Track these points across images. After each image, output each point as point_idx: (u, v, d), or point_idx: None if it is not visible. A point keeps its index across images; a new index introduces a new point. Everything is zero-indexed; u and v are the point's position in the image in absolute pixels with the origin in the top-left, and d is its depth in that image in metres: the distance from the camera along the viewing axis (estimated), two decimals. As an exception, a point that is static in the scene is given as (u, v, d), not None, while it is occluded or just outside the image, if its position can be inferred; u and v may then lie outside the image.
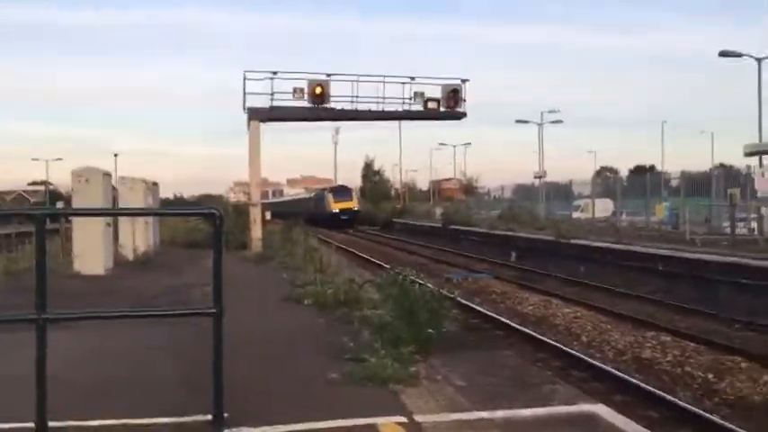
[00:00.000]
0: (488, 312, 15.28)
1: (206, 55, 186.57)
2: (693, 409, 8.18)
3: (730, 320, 14.03)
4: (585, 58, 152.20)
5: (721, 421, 7.78)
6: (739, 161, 30.66)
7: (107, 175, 16.99)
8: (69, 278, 14.69)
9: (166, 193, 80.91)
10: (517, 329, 13.34)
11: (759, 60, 28.05)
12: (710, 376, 9.80)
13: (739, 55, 28.04)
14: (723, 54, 27.57)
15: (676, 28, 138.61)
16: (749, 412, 8.40)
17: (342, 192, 63.03)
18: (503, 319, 14.41)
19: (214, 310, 4.83)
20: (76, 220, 15.92)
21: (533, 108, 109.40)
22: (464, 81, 24.92)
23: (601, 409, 5.30)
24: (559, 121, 52.25)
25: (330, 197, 61.32)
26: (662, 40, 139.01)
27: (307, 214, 61.68)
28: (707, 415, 7.93)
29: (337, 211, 59.25)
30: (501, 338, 12.74)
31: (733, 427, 7.52)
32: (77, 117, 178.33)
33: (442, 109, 24.71)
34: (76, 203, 15.97)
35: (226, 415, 4.88)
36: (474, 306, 15.84)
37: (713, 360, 10.47)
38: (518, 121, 51.37)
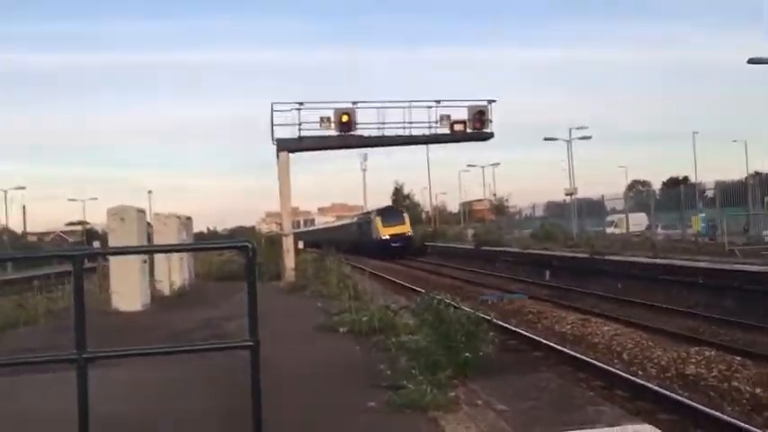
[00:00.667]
0: (526, 333, 15.11)
1: (233, 89, 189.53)
2: (744, 425, 7.95)
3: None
4: (613, 73, 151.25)
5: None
6: (774, 168, 30.02)
7: (141, 212, 17.25)
8: (108, 315, 14.87)
9: (200, 226, 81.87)
10: (556, 349, 13.14)
11: (789, 66, 27.54)
12: (759, 390, 9.53)
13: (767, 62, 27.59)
14: (752, 61, 27.14)
15: (704, 41, 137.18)
16: (802, 427, 8.13)
17: (392, 214, 55.01)
18: (541, 340, 14.23)
19: (251, 343, 4.86)
20: (113, 258, 16.15)
21: (561, 126, 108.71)
22: (490, 102, 24.91)
23: (647, 430, 5.17)
24: (588, 137, 51.74)
25: (378, 221, 53.25)
26: (689, 53, 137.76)
27: (349, 242, 56.65)
28: (757, 431, 7.70)
29: (387, 237, 51.42)
30: (540, 360, 12.57)
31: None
32: (110, 157, 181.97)
33: (468, 131, 24.70)
34: (113, 241, 16.21)
35: (266, 448, 4.87)
36: (511, 327, 15.68)
37: (760, 374, 10.19)
38: (546, 139, 50.96)
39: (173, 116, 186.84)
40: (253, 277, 5.21)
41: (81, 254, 3.77)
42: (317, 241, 58.51)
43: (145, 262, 16.77)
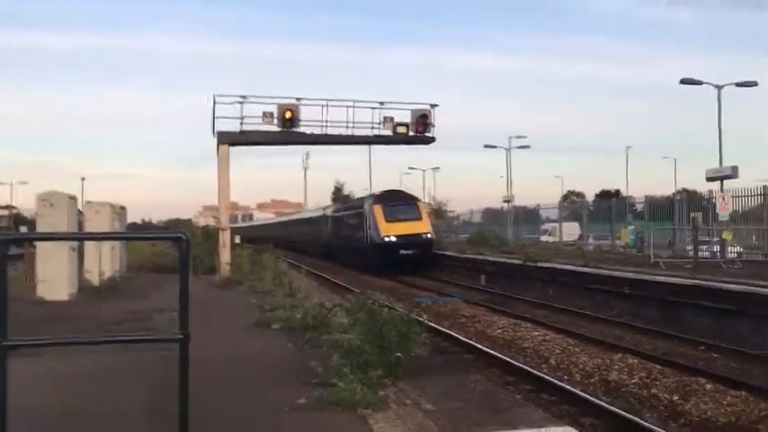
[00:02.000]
0: (458, 336, 15.31)
1: (176, 80, 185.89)
2: (660, 431, 8.26)
3: (694, 342, 14.25)
4: (553, 86, 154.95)
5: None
6: (701, 186, 31.35)
7: (73, 199, 16.75)
8: (33, 304, 14.40)
9: (134, 217, 79.76)
10: (486, 353, 13.38)
11: (719, 88, 28.81)
12: (676, 398, 9.92)
13: (700, 83, 28.75)
14: (684, 82, 28.24)
15: (639, 59, 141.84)
16: (714, 433, 8.51)
17: (400, 204, 34.79)
18: (472, 343, 14.45)
19: (180, 336, 4.80)
20: (41, 245, 15.64)
21: (501, 134, 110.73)
22: (433, 106, 25.19)
23: (568, 432, 5.33)
24: (527, 147, 52.87)
25: (377, 214, 33.79)
26: (626, 70, 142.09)
27: (318, 244, 47.02)
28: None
29: (393, 239, 32.85)
30: (470, 362, 12.76)
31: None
32: (43, 141, 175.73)
33: (411, 133, 24.91)
34: (41, 228, 15.70)
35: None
36: (443, 329, 15.86)
37: (678, 382, 10.60)
38: (486, 146, 51.79)
39: (113, 103, 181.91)
40: (185, 269, 5.15)
41: (4, 238, 3.66)
42: (266, 239, 48.53)
43: (74, 250, 16.29)
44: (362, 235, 35.00)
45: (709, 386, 10.23)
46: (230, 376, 7.46)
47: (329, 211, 46.95)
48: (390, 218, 33.32)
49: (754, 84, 28.28)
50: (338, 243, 41.61)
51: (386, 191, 37.71)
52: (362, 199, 40.26)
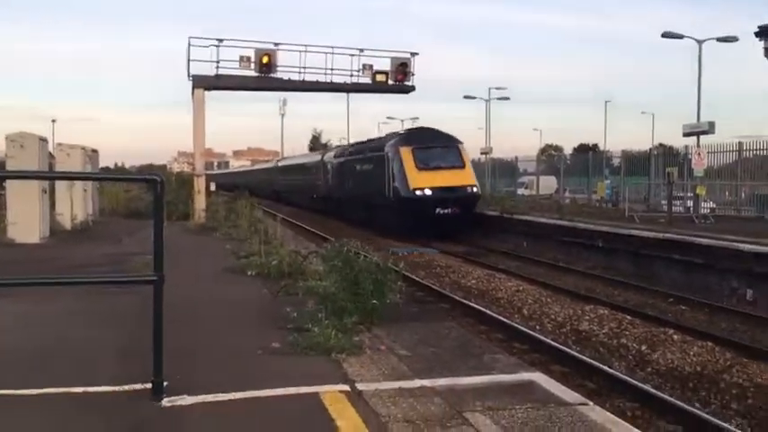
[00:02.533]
0: (432, 286, 15.45)
1: (152, 22, 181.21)
2: (627, 378, 8.45)
3: (664, 294, 14.52)
4: (534, 37, 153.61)
5: (653, 390, 8.06)
6: (678, 141, 31.53)
7: (43, 140, 16.40)
8: (3, 246, 14.22)
9: (107, 162, 78.48)
10: (460, 302, 13.52)
11: (700, 43, 28.71)
12: (644, 348, 10.13)
13: (681, 37, 28.62)
14: (665, 35, 28.11)
15: (621, 11, 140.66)
16: (679, 382, 8.72)
17: (434, 144, 26.98)
18: (446, 293, 14.59)
19: (154, 278, 4.77)
20: (11, 186, 15.38)
21: (482, 85, 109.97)
22: (413, 54, 24.84)
23: (539, 377, 5.41)
24: (506, 98, 52.62)
25: (406, 159, 26.04)
26: (608, 23, 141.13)
27: (320, 194, 38.32)
28: (639, 384, 8.21)
29: (427, 193, 25.41)
30: (445, 311, 12.89)
31: (663, 395, 7.81)
32: (12, 82, 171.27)
33: (390, 82, 24.60)
34: (11, 169, 15.40)
35: (165, 383, 4.83)
36: (418, 279, 15.98)
37: (647, 332, 10.82)
38: (466, 97, 51.43)
39: (86, 43, 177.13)
40: (159, 212, 5.09)
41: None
42: (247, 188, 40.83)
43: (45, 192, 16.04)
44: (381, 187, 26.47)
45: (676, 337, 10.47)
46: (203, 320, 7.45)
47: (330, 156, 37.75)
48: (422, 165, 25.36)
49: (735, 39, 28.20)
50: (344, 196, 33.30)
51: (415, 128, 29.76)
52: (381, 140, 30.06)
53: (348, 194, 32.64)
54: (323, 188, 37.98)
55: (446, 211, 24.78)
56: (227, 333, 6.89)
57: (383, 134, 34.69)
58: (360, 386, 5.08)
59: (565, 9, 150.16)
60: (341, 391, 4.96)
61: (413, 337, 6.73)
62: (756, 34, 15.88)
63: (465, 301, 13.57)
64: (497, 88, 52.71)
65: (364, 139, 36.37)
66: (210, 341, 6.51)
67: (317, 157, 42.80)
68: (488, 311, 12.62)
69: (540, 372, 5.82)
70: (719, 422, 6.89)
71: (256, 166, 74.80)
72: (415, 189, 24.99)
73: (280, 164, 58.72)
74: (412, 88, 24.99)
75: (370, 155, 29.73)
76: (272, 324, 7.04)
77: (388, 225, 26.87)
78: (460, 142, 27.30)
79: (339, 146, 47.62)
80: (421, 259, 20.84)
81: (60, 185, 17.77)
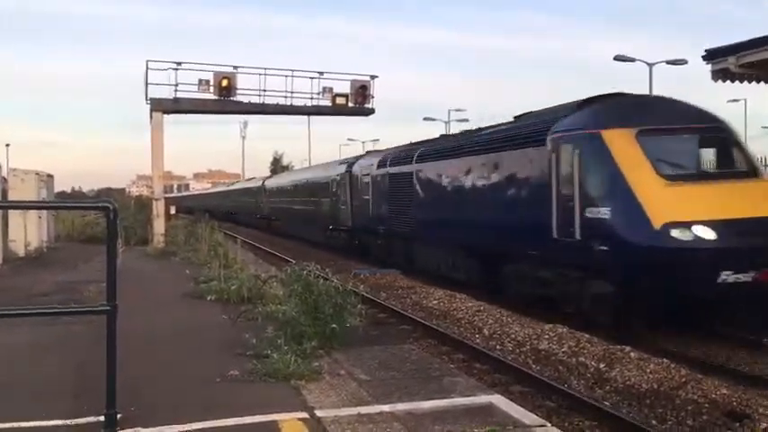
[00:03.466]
0: (394, 307, 15.44)
1: (112, 45, 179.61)
2: (585, 398, 8.55)
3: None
4: (492, 60, 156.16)
5: (611, 409, 8.16)
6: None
7: (-4, 166, 16.06)
8: (-47, 275, 13.86)
9: (64, 186, 77.06)
10: (422, 323, 13.54)
11: (650, 65, 29.54)
12: (602, 366, 10.24)
13: (632, 60, 29.42)
14: (617, 58, 28.84)
15: (577, 34, 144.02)
16: (637, 399, 8.85)
17: (684, 126, 11.01)
18: (408, 314, 14.59)
19: (107, 308, 4.70)
20: (-39, 214, 14.99)
21: (442, 107, 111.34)
22: (373, 77, 25.05)
23: (497, 400, 5.46)
24: (465, 120, 53.23)
25: (631, 156, 10.47)
26: (566, 46, 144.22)
27: (339, 223, 26.55)
28: (597, 404, 8.30)
29: (707, 234, 9.60)
30: (406, 333, 12.89)
31: (620, 414, 7.91)
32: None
33: (350, 104, 24.74)
34: (-39, 196, 15.04)
35: (119, 415, 4.74)
36: (380, 301, 15.97)
37: (605, 350, 10.94)
38: (425, 119, 51.99)
39: (43, 67, 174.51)
40: (113, 240, 5.03)
41: None
42: (219, 212, 45.13)
43: (-3, 219, 15.69)
44: (537, 220, 12.46)
45: (633, 354, 10.61)
46: (161, 348, 7.35)
47: (373, 167, 22.91)
48: (675, 171, 10.74)
49: (684, 62, 29.10)
50: (417, 231, 19.49)
51: (616, 94, 12.66)
52: (533, 120, 13.98)
53: (426, 230, 18.60)
54: (358, 217, 24.52)
55: (745, 277, 9.86)
56: (185, 361, 6.80)
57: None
58: (319, 413, 5.06)
59: (521, 32, 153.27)
60: (300, 419, 4.94)
61: (373, 361, 6.74)
62: (704, 57, 16.37)
63: (426, 323, 13.58)
64: (457, 110, 53.35)
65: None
66: (167, 370, 6.42)
67: (338, 169, 27.82)
68: (449, 333, 12.65)
69: (499, 394, 5.86)
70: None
71: (234, 186, 61.40)
72: (670, 225, 10.06)
73: (272, 183, 43.89)
74: (372, 111, 25.16)
75: (493, 154, 14.44)
76: (231, 351, 6.97)
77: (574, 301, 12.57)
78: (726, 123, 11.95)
79: (374, 151, 28.95)
80: (383, 280, 20.82)
81: (14, 211, 17.40)
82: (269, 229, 41.50)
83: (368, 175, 23.50)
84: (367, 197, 23.28)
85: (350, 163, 26.83)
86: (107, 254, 4.84)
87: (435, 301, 16.78)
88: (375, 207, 22.40)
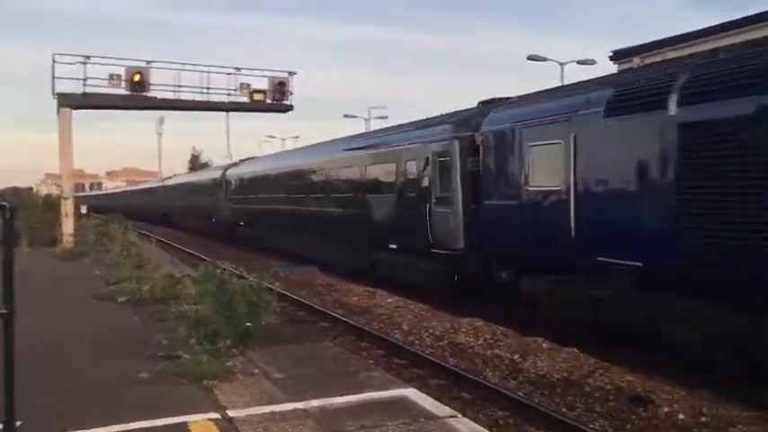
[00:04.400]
0: (313, 305, 15.38)
1: (14, 38, 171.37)
2: (499, 388, 8.76)
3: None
4: (413, 58, 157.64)
5: (523, 398, 8.39)
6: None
7: None
8: None
9: (-36, 185, 73.08)
10: (341, 320, 13.54)
11: (562, 65, 30.51)
12: (516, 357, 10.51)
13: (545, 59, 30.28)
14: (531, 58, 29.61)
15: (491, 34, 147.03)
16: (548, 388, 9.12)
17: None
18: (326, 311, 14.57)
19: (3, 311, 4.48)
20: None
21: (363, 103, 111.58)
22: (291, 74, 24.83)
23: (412, 393, 5.52)
24: (385, 117, 53.52)
25: None
26: (480, 45, 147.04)
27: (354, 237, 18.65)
28: (510, 393, 8.52)
29: None
30: (326, 330, 12.87)
31: (532, 403, 8.14)
32: None
33: (268, 101, 24.46)
34: None
35: (18, 423, 4.53)
36: (298, 298, 15.88)
37: (519, 342, 11.24)
38: (346, 116, 51.99)
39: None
40: (9, 240, 4.80)
41: None
42: (150, 214, 38.19)
43: None
44: None
45: (545, 345, 10.93)
46: (67, 352, 7.07)
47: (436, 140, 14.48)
48: None
49: (593, 62, 30.12)
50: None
51: None
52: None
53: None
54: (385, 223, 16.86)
55: None
56: (91, 365, 6.57)
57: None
58: (231, 413, 4.98)
59: (438, 31, 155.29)
60: (211, 419, 4.85)
61: (288, 360, 6.69)
62: (611, 58, 17.15)
63: (345, 319, 13.59)
64: (377, 107, 53.59)
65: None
66: (74, 375, 6.19)
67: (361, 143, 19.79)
68: (369, 328, 12.70)
69: (413, 387, 5.93)
70: (582, 426, 7.25)
71: (174, 181, 48.68)
72: None
73: (236, 172, 32.50)
74: (290, 107, 24.94)
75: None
76: (142, 353, 6.79)
77: None
78: None
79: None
80: (303, 278, 20.70)
81: None
82: (233, 240, 30.84)
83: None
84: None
85: (367, 136, 22.70)
86: (3, 255, 4.62)
87: (356, 298, 16.80)
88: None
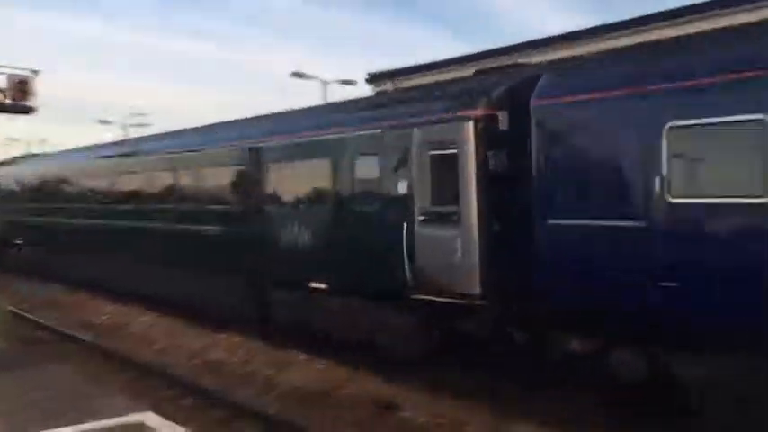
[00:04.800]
0: (56, 327, 14.17)
1: None
2: (251, 405, 8.71)
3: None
4: (179, 65, 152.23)
5: (272, 413, 8.42)
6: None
7: None
8: None
9: None
10: (87, 341, 12.65)
11: (325, 83, 31.33)
12: (272, 371, 10.54)
13: (310, 77, 30.86)
14: (294, 75, 29.99)
15: (258, 47, 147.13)
16: (302, 400, 9.25)
17: None
18: (68, 332, 13.52)
19: None
20: None
21: (119, 110, 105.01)
22: (35, 72, 22.65)
23: (149, 417, 5.27)
24: (146, 125, 51.01)
25: None
26: (251, 57, 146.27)
27: None
28: (260, 410, 8.50)
29: None
30: (68, 352, 11.91)
31: (283, 417, 8.21)
32: None
33: (7, 101, 22.09)
34: None
35: None
36: (33, 318, 14.56)
37: (273, 356, 11.27)
38: (101, 122, 48.59)
39: None
40: None
41: None
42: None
43: None
44: None
45: (302, 357, 11.09)
46: None
47: None
48: None
49: (354, 82, 31.25)
50: None
51: None
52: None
53: None
54: None
55: None
56: None
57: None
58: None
59: (207, 39, 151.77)
60: None
61: (16, 387, 6.07)
62: (367, 80, 18.03)
63: (90, 340, 12.73)
64: (138, 114, 50.93)
65: None
66: None
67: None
68: (115, 348, 11.99)
69: (151, 411, 5.66)
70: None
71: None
72: None
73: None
74: (32, 109, 22.71)
75: None
76: None
77: None
78: None
79: None
80: (51, 297, 18.96)
81: None
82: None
83: None
84: None
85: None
86: None
87: (105, 316, 15.80)
88: None
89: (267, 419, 8.13)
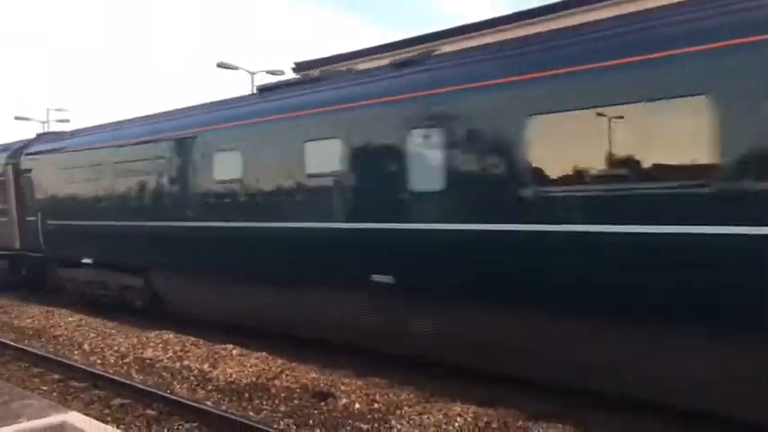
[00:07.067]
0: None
1: None
2: (185, 401, 8.55)
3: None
4: (95, 59, 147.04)
5: (210, 407, 8.29)
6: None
7: None
8: None
9: None
10: (10, 345, 12.18)
11: (252, 74, 30.89)
12: (206, 366, 10.37)
13: (236, 68, 30.37)
14: (220, 66, 29.49)
15: (177, 39, 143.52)
16: (237, 394, 9.14)
17: None
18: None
19: None
20: None
21: (39, 106, 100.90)
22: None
23: (72, 417, 5.09)
24: (67, 120, 49.18)
25: None
26: (170, 48, 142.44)
27: None
28: (196, 404, 8.36)
29: None
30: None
31: (219, 411, 8.09)
32: None
33: None
34: None
35: None
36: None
37: (209, 350, 11.11)
38: (18, 118, 46.57)
39: None
40: None
41: None
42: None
43: None
44: None
45: (235, 351, 10.96)
46: None
47: None
48: None
49: (282, 72, 30.92)
50: None
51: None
52: None
53: None
54: None
55: None
56: None
57: None
58: None
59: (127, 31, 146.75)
60: None
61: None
62: (293, 69, 17.81)
63: (13, 344, 12.27)
64: (58, 110, 49.04)
65: None
66: None
67: None
68: (40, 352, 11.59)
69: (75, 411, 5.48)
70: (265, 428, 7.38)
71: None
72: None
73: None
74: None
75: None
76: None
77: None
78: None
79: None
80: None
81: None
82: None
83: None
84: None
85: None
86: None
87: (29, 320, 15.26)
88: None
89: (202, 414, 8.00)
